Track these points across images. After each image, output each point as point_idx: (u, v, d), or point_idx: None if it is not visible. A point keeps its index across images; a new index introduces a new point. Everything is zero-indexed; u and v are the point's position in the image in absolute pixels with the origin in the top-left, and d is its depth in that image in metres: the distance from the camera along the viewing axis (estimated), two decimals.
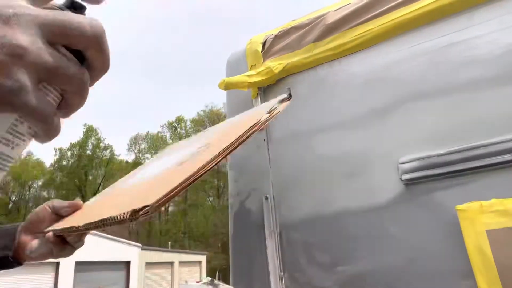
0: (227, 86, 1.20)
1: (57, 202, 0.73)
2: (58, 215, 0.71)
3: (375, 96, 1.02)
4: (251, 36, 1.33)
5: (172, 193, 0.48)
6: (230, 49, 1.40)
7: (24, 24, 0.29)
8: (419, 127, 0.94)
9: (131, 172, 0.88)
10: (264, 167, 1.17)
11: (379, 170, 0.97)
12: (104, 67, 0.34)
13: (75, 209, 0.71)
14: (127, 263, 17.87)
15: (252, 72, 1.21)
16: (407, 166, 0.92)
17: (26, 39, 0.28)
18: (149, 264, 19.44)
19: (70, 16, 0.31)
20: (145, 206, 0.44)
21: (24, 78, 0.28)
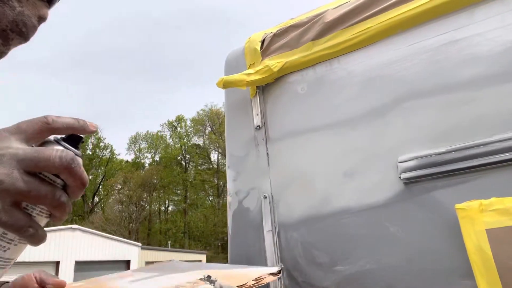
0: (225, 85, 1.19)
1: (44, 275, 0.75)
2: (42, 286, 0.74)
3: (374, 94, 1.02)
4: (250, 35, 1.32)
5: None
6: (231, 48, 1.39)
7: (5, 162, 0.40)
8: (418, 126, 0.94)
9: (118, 275, 0.91)
10: (262, 166, 1.16)
11: (378, 169, 0.96)
12: (78, 185, 0.44)
13: (58, 287, 0.74)
14: (127, 263, 17.88)
15: (251, 70, 1.20)
16: (406, 164, 0.91)
17: (4, 172, 0.39)
18: (149, 264, 19.44)
19: (42, 152, 0.42)
20: None
21: None
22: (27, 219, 0.42)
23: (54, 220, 0.45)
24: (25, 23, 0.56)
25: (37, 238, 0.42)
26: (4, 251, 0.42)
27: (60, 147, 0.45)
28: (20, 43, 0.58)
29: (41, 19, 0.60)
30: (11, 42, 0.56)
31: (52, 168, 0.42)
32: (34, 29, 0.59)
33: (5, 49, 0.57)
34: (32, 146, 0.44)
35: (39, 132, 0.45)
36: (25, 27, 0.57)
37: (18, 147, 0.42)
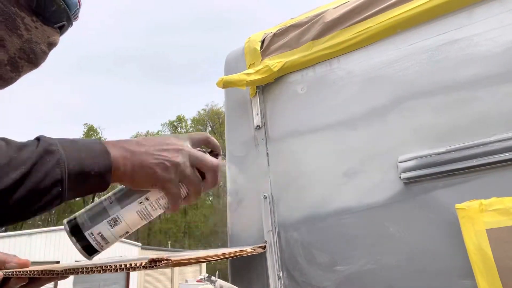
0: (225, 85, 1.19)
1: (3, 255, 0.77)
2: None
3: (374, 94, 1.02)
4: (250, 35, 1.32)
5: (186, 261, 0.69)
6: (231, 48, 1.39)
7: (184, 154, 0.63)
8: (418, 126, 0.93)
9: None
10: (263, 166, 1.16)
11: (378, 168, 0.96)
12: (212, 184, 0.65)
13: (22, 266, 0.77)
14: None
15: (251, 70, 1.20)
16: (406, 164, 0.91)
17: (182, 161, 0.62)
18: None
19: (204, 155, 0.65)
20: (164, 259, 0.63)
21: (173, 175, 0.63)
22: (181, 193, 0.65)
23: (187, 200, 0.66)
24: (33, 50, 0.59)
25: (178, 203, 0.64)
26: (154, 210, 0.66)
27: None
28: (31, 69, 0.61)
29: (51, 45, 0.62)
30: (21, 69, 0.59)
31: (205, 167, 0.65)
32: (44, 55, 0.62)
33: (15, 75, 0.59)
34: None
35: (201, 143, 0.69)
36: (33, 53, 0.59)
37: (191, 148, 0.65)
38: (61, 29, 0.64)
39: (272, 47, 1.22)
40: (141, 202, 0.64)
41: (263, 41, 1.25)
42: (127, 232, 0.66)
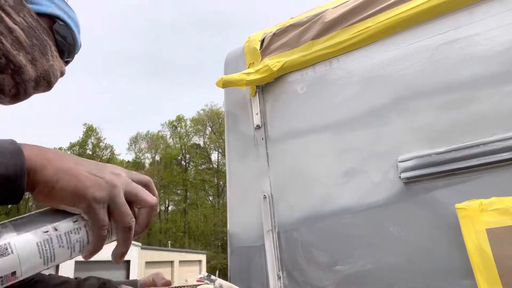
0: (225, 84, 1.19)
1: (155, 276, 1.00)
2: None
3: (374, 94, 1.02)
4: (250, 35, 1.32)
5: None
6: (231, 48, 1.39)
7: (124, 177, 0.53)
8: (418, 125, 0.93)
9: None
10: (262, 166, 1.16)
11: (378, 168, 0.96)
12: (144, 226, 0.54)
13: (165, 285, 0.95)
14: (127, 263, 17.87)
15: (251, 70, 1.20)
16: (406, 164, 0.91)
17: (125, 182, 0.52)
18: (149, 263, 19.44)
19: (143, 189, 0.54)
20: None
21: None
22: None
23: (108, 240, 0.52)
24: (54, 74, 0.70)
25: (101, 238, 0.49)
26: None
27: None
28: (44, 91, 0.70)
29: (62, 74, 0.74)
30: (39, 88, 0.68)
31: (142, 202, 0.53)
32: (56, 80, 0.72)
33: (33, 92, 0.68)
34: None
35: (140, 184, 0.56)
36: (54, 77, 0.70)
37: (130, 179, 0.54)
38: (67, 63, 0.74)
39: (272, 47, 1.22)
40: (47, 231, 0.46)
41: (262, 41, 1.25)
42: (13, 273, 0.43)
